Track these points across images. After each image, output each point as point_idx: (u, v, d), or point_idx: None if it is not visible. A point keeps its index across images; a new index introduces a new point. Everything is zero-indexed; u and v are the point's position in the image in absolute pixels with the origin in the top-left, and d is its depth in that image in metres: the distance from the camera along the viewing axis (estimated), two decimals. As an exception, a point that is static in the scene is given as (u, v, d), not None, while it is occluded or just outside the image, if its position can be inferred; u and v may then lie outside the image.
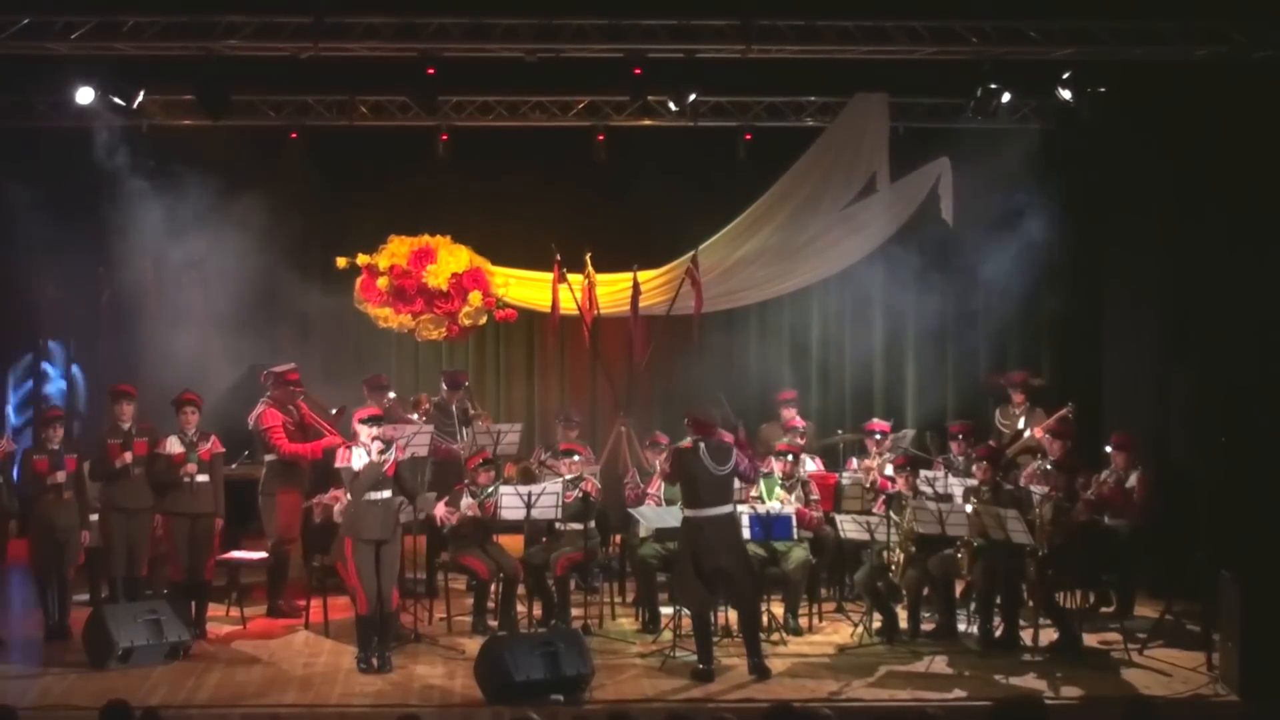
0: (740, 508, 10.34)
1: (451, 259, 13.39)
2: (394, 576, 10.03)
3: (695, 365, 14.58)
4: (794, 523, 10.87)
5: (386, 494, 9.95)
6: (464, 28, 11.66)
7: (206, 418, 11.02)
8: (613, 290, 13.66)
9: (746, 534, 10.42)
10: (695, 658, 9.89)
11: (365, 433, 9.99)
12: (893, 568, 10.56)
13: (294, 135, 13.69)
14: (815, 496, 11.26)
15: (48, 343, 14.54)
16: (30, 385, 14.56)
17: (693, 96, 12.51)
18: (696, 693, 9.44)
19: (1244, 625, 9.29)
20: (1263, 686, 9.17)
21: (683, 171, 14.08)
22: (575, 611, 11.05)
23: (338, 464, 10.02)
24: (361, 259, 13.44)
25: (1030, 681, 9.70)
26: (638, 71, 11.95)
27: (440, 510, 10.84)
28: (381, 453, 9.90)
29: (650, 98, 12.75)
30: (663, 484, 11.18)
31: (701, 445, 9.85)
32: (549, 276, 13.27)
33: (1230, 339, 12.12)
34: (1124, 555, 10.90)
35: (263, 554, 11.45)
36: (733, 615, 10.35)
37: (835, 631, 10.95)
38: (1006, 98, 12.44)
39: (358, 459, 9.89)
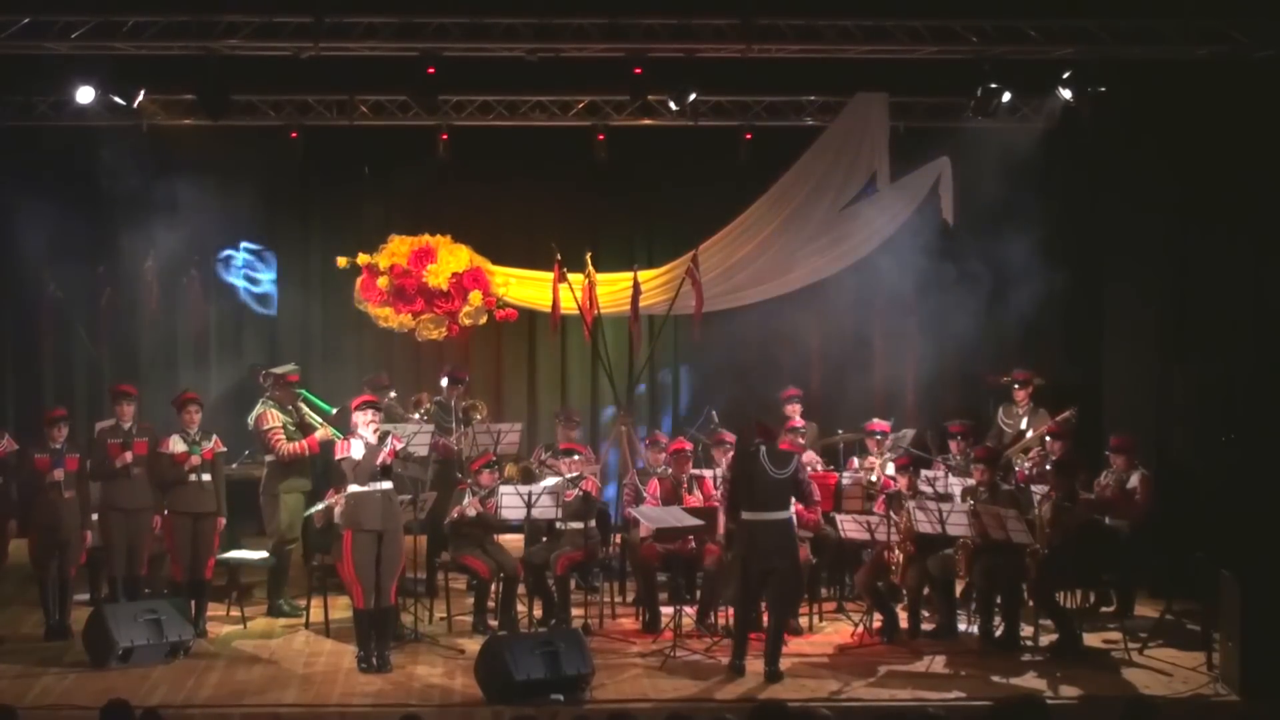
0: None
1: (452, 259, 13.38)
2: (394, 571, 9.97)
3: (696, 365, 14.62)
4: (794, 523, 10.86)
5: (388, 485, 9.94)
6: (464, 27, 11.65)
7: (206, 417, 11.01)
8: (613, 290, 13.64)
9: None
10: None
11: (363, 419, 9.98)
12: (893, 568, 10.56)
13: (294, 135, 13.68)
14: (816, 497, 11.24)
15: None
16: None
17: (693, 96, 12.50)
18: (697, 692, 9.43)
19: (1244, 625, 9.29)
20: (1263, 686, 9.17)
21: (683, 171, 14.08)
22: (575, 611, 11.04)
23: (338, 455, 9.99)
24: (362, 259, 13.42)
25: (1030, 681, 9.70)
26: (638, 71, 11.93)
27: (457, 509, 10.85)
28: (380, 436, 9.90)
29: (650, 97, 12.73)
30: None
31: (763, 449, 9.85)
32: (549, 276, 13.25)
33: (1230, 339, 12.12)
34: (1124, 555, 10.89)
35: (263, 554, 11.45)
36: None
37: (835, 631, 10.95)
38: (1006, 97, 12.43)
39: (357, 449, 9.89)
